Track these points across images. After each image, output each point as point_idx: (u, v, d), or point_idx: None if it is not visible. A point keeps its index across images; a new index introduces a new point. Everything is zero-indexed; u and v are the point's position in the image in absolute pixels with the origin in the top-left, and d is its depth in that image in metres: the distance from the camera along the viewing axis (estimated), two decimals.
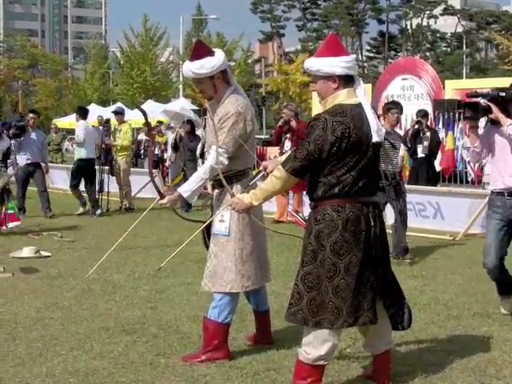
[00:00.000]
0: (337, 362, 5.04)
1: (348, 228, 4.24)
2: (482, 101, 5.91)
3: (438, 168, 15.52)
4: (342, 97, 4.33)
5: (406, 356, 5.23)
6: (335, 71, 4.33)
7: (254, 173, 5.37)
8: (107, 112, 25.46)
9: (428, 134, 13.99)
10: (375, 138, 4.28)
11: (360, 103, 4.33)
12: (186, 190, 5.09)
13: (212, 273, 5.13)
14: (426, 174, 13.82)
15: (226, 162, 5.01)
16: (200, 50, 5.14)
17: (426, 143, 13.95)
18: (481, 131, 6.27)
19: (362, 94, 4.39)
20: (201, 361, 5.09)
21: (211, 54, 5.11)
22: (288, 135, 12.69)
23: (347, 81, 4.37)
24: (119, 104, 19.25)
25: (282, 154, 12.77)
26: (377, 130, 4.30)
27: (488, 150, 6.11)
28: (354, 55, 4.57)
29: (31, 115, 13.81)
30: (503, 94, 5.91)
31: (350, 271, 4.23)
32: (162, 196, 5.21)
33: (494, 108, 5.86)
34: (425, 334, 5.78)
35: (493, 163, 6.14)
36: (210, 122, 5.26)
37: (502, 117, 5.88)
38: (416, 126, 14.11)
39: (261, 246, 5.23)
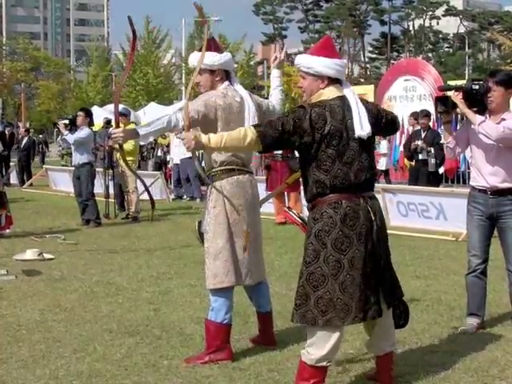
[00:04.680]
0: (339, 363, 5.04)
1: (347, 223, 4.25)
2: (452, 96, 5.73)
3: (441, 169, 15.51)
4: (325, 95, 4.40)
5: (409, 356, 5.22)
6: (327, 72, 4.41)
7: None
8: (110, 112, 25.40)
9: (423, 134, 13.86)
10: (358, 132, 4.29)
11: (342, 96, 4.37)
12: (142, 129, 4.98)
13: (208, 269, 5.21)
14: (426, 175, 13.67)
15: (181, 123, 4.88)
16: (212, 45, 5.29)
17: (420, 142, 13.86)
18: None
19: (349, 92, 4.43)
20: (204, 362, 5.10)
21: (219, 51, 5.27)
22: None
23: (334, 83, 4.45)
24: (122, 105, 19.11)
25: (272, 155, 12.81)
26: (360, 125, 4.30)
27: (464, 146, 5.93)
28: (345, 60, 4.61)
29: None
30: (476, 87, 5.66)
31: (355, 266, 4.24)
32: (117, 125, 5.13)
33: (461, 104, 5.66)
34: (427, 334, 5.78)
35: (472, 159, 6.00)
36: None
37: (469, 113, 5.68)
38: (418, 127, 14.07)
39: (234, 247, 5.16)
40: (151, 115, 29.48)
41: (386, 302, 4.44)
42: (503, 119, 5.66)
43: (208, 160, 5.23)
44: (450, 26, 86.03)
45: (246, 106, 5.27)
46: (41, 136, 35.85)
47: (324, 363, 4.36)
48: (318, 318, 4.27)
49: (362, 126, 4.31)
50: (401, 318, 4.60)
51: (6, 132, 23.69)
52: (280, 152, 12.57)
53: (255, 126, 4.36)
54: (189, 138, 4.46)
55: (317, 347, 4.32)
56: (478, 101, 5.70)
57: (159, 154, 21.29)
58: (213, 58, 5.19)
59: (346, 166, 4.28)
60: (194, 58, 5.27)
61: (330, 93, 4.40)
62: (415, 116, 14.77)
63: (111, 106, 32.12)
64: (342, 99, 4.37)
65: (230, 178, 5.16)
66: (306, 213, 4.63)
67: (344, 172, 4.28)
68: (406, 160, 16.64)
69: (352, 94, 4.44)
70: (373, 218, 4.33)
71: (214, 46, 5.32)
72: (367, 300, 4.28)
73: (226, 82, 5.28)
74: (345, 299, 4.23)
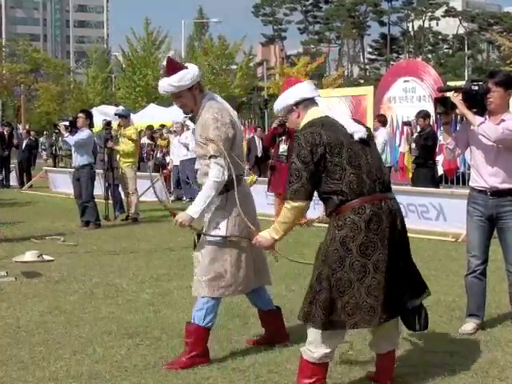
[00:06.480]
0: (340, 365, 5.05)
1: (371, 228, 4.29)
2: (452, 97, 5.72)
3: (440, 170, 15.51)
4: (310, 116, 4.52)
5: (409, 357, 5.23)
6: (289, 102, 4.63)
7: (249, 181, 5.42)
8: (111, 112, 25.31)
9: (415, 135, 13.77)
10: (357, 135, 4.38)
11: (326, 115, 4.50)
12: (194, 210, 5.06)
13: (203, 278, 5.12)
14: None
15: (227, 172, 4.99)
16: (174, 66, 5.24)
17: (413, 145, 13.85)
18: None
19: (326, 109, 4.63)
20: (184, 366, 5.05)
21: (185, 67, 5.20)
22: (283, 138, 12.70)
23: (307, 104, 4.59)
24: (121, 107, 18.92)
25: (277, 156, 12.78)
26: (355, 130, 4.40)
27: (464, 147, 5.95)
28: (306, 81, 4.79)
29: None
30: (476, 87, 5.68)
31: (379, 269, 4.29)
32: (174, 215, 5.20)
33: (460, 105, 5.67)
34: (427, 335, 5.75)
35: (472, 160, 5.99)
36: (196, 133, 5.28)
37: (468, 114, 5.68)
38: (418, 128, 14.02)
39: (255, 251, 5.21)
40: (151, 116, 29.55)
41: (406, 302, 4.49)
42: (503, 120, 5.65)
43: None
44: (450, 27, 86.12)
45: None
46: (53, 138, 35.57)
47: (326, 360, 4.40)
48: (346, 322, 4.31)
49: (356, 131, 4.41)
50: (419, 321, 4.59)
51: (5, 132, 23.66)
52: (285, 153, 12.51)
53: (285, 197, 4.43)
54: (258, 241, 4.70)
55: (319, 345, 4.35)
56: (477, 102, 5.69)
57: (158, 155, 21.27)
58: (189, 76, 5.11)
59: (357, 169, 4.33)
60: (166, 85, 5.17)
61: (312, 115, 4.52)
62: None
63: (104, 108, 32.08)
64: (327, 116, 4.49)
65: (241, 185, 5.17)
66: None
67: (357, 175, 4.32)
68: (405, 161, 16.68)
69: (329, 110, 4.61)
70: (395, 221, 4.40)
71: (176, 64, 5.28)
72: (391, 300, 4.34)
73: (207, 93, 5.27)
74: (370, 302, 4.28)
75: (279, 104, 4.69)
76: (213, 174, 5.01)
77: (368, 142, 4.47)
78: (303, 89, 4.64)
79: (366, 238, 4.28)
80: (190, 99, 5.19)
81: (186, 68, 5.18)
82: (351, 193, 4.30)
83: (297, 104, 4.60)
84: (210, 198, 5.04)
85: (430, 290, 6.94)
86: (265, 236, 4.65)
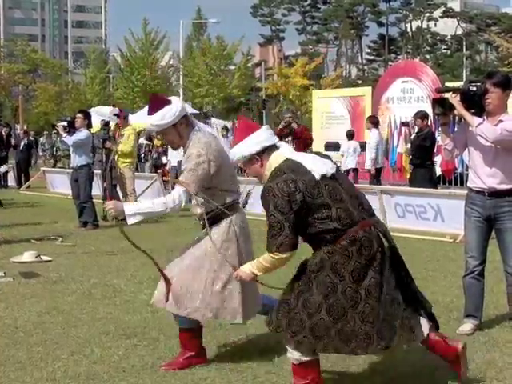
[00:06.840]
0: (338, 366, 5.05)
1: (362, 253, 4.22)
2: (450, 97, 5.72)
3: (438, 170, 15.51)
4: (273, 163, 4.41)
5: (407, 357, 5.20)
6: (251, 151, 4.48)
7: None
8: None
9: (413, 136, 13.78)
10: (325, 172, 4.30)
11: (287, 158, 4.40)
12: (130, 209, 4.92)
13: (173, 292, 5.01)
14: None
15: (183, 204, 4.91)
16: (157, 102, 5.05)
17: (408, 145, 13.92)
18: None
19: (287, 151, 4.49)
20: (181, 367, 5.05)
21: (168, 102, 5.02)
22: (289, 139, 12.73)
23: (269, 151, 4.48)
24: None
25: None
26: (323, 172, 4.30)
27: (462, 148, 5.94)
28: (264, 127, 4.63)
29: None
30: (474, 88, 5.69)
31: (372, 294, 4.21)
32: (110, 199, 5.11)
33: (458, 106, 5.66)
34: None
35: (470, 160, 5.99)
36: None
37: (466, 115, 5.68)
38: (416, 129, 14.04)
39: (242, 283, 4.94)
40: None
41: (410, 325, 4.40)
42: (501, 121, 5.66)
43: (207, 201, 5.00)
44: (448, 27, 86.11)
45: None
46: (53, 139, 35.43)
47: (309, 358, 4.35)
48: (341, 348, 4.28)
49: (322, 166, 4.34)
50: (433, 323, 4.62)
51: (3, 132, 23.63)
52: None
53: (268, 250, 4.31)
54: (239, 276, 4.58)
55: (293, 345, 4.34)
56: (475, 102, 5.69)
57: (154, 156, 21.28)
58: (171, 113, 4.94)
59: (340, 203, 4.27)
60: (148, 125, 5.12)
61: (276, 160, 4.42)
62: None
63: (100, 109, 32.00)
64: (289, 159, 4.39)
65: (235, 214, 5.06)
66: None
67: (343, 208, 4.26)
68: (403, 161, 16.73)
69: (292, 152, 4.50)
70: (385, 243, 4.35)
71: (159, 101, 5.07)
72: (390, 326, 4.26)
73: (194, 131, 5.07)
74: (366, 329, 4.20)
75: (238, 153, 4.53)
76: (172, 198, 4.91)
77: (337, 173, 4.41)
78: (262, 136, 4.50)
79: (357, 264, 4.22)
80: (174, 135, 5.03)
81: (169, 104, 4.98)
82: (343, 226, 4.23)
83: (259, 153, 4.47)
84: (152, 212, 4.93)
85: (428, 290, 6.95)
86: (245, 271, 4.54)
